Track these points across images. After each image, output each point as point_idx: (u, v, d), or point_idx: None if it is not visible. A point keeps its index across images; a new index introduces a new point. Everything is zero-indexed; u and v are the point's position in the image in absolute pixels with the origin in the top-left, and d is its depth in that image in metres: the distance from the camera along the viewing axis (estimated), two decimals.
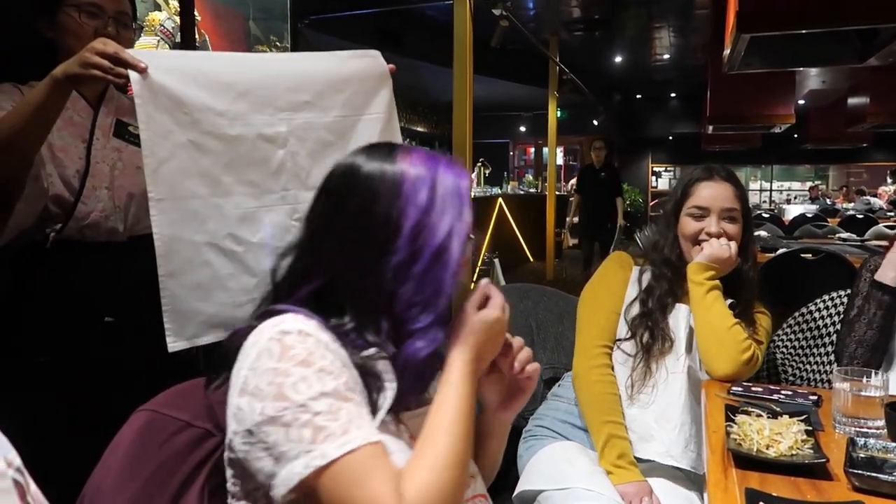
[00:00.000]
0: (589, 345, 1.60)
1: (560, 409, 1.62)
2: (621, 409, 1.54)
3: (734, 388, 1.49)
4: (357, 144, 1.61)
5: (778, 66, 5.04)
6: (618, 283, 1.65)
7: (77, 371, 1.48)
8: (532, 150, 14.75)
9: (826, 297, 1.92)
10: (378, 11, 6.48)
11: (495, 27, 5.66)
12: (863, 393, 1.21)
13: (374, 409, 0.83)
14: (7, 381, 1.42)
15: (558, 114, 9.96)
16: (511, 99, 11.19)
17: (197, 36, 3.87)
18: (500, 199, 8.57)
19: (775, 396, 1.47)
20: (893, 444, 1.09)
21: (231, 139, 1.35)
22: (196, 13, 3.82)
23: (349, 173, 0.92)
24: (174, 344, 1.30)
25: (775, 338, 1.91)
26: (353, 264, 0.88)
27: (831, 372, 1.75)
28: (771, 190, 14.51)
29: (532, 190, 11.36)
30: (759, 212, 8.50)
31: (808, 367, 1.85)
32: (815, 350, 1.85)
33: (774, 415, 1.26)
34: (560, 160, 14.69)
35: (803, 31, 3.73)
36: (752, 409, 1.28)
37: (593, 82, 10.03)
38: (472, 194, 7.46)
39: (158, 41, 3.59)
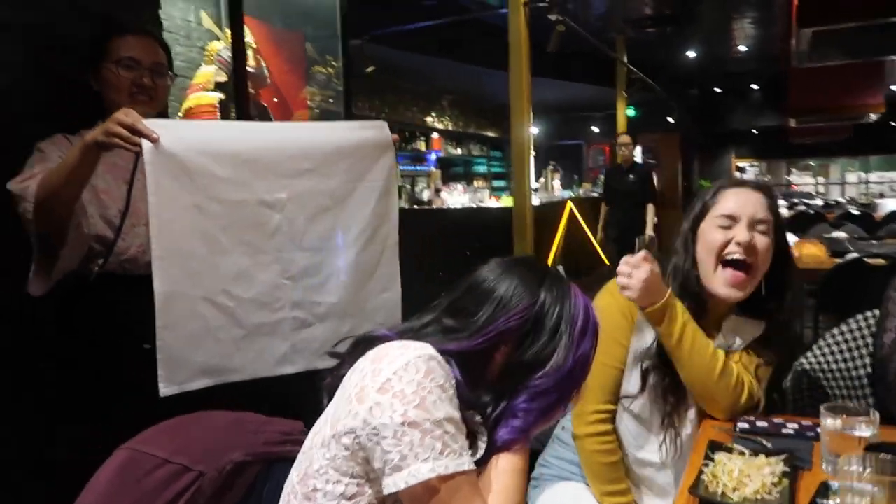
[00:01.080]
0: (585, 409, 1.44)
1: (566, 457, 1.54)
2: (623, 469, 1.45)
3: (740, 424, 1.43)
4: (353, 210, 1.71)
5: (851, 57, 4.76)
6: (618, 331, 1.44)
7: (114, 392, 1.61)
8: (609, 149, 14.46)
9: (860, 317, 1.81)
10: (437, 23, 6.55)
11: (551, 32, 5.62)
12: (842, 431, 1.15)
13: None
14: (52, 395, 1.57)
15: (630, 112, 9.74)
16: (582, 100, 11.02)
17: (254, 62, 4.06)
18: (569, 203, 8.45)
19: (782, 431, 1.41)
20: (869, 489, 1.03)
21: (232, 203, 1.46)
22: (252, 40, 4.01)
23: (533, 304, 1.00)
24: (165, 389, 1.40)
25: (809, 354, 1.83)
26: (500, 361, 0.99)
27: (863, 396, 1.66)
28: (868, 182, 13.61)
29: None
30: (849, 208, 8.00)
31: (840, 391, 1.76)
32: (848, 373, 1.75)
33: (759, 453, 1.22)
34: (638, 158, 14.35)
35: (869, 22, 3.53)
36: (737, 447, 1.25)
37: (666, 78, 9.74)
38: (539, 200, 7.42)
39: (216, 69, 3.79)
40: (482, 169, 11.86)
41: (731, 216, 1.39)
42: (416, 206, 7.24)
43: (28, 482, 1.60)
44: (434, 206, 7.41)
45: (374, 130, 1.66)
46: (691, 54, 9.98)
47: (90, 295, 1.60)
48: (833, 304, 3.21)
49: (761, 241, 1.38)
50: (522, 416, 0.96)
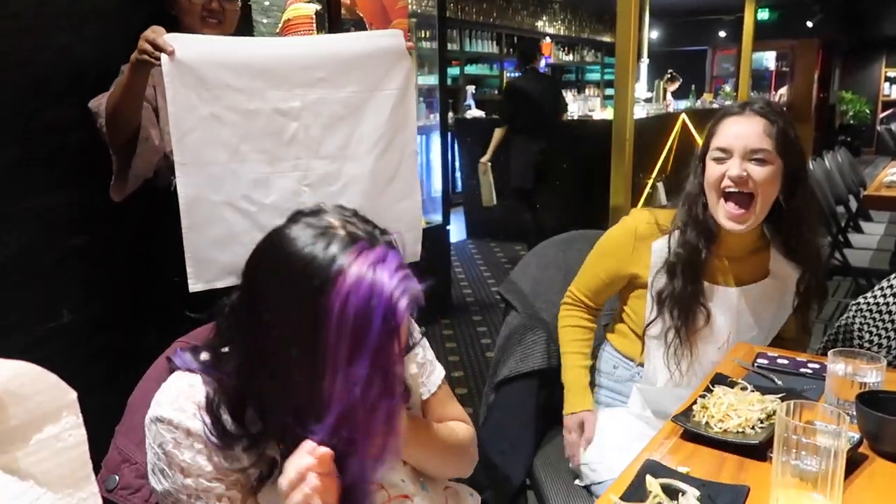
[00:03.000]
0: (569, 288, 1.64)
1: (605, 386, 1.63)
2: (583, 338, 1.59)
3: (759, 360, 1.45)
4: (368, 118, 1.75)
5: None
6: (618, 253, 1.53)
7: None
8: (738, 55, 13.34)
9: None
10: None
11: None
12: (840, 374, 1.16)
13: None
14: (151, 301, 1.82)
15: (763, 15, 8.92)
16: (708, 1, 10.18)
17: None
18: (682, 116, 8.02)
19: (800, 370, 1.42)
20: (854, 437, 1.05)
21: (248, 112, 1.54)
22: None
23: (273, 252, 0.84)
24: (194, 285, 1.56)
25: (861, 299, 1.78)
26: (261, 365, 0.83)
27: None
28: None
29: (728, 103, 10.40)
30: None
31: (886, 334, 1.70)
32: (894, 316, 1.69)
33: (763, 390, 1.25)
34: (772, 65, 13.20)
35: None
36: (742, 382, 1.28)
37: None
38: (647, 112, 7.08)
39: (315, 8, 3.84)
40: (595, 77, 11.40)
41: (725, 149, 1.39)
42: None
43: (101, 365, 1.87)
44: None
45: (388, 39, 1.68)
46: None
47: (170, 205, 1.80)
48: None
49: (757, 172, 1.36)
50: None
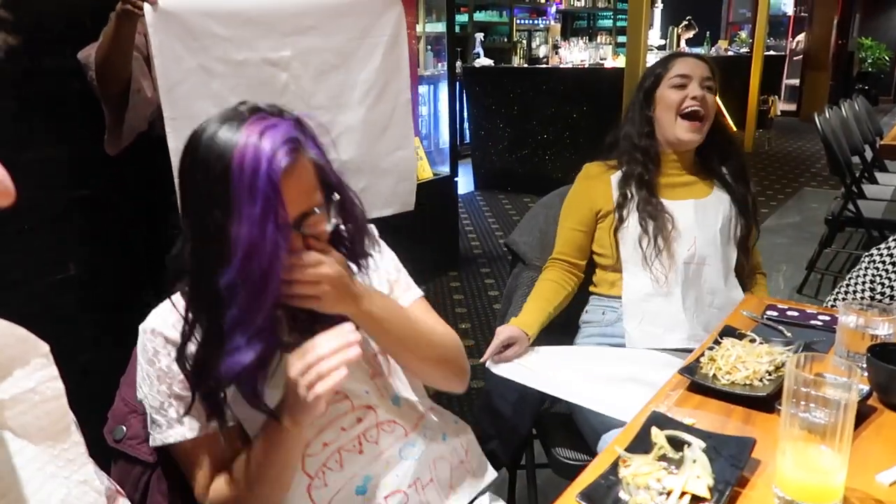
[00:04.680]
0: (552, 256, 1.69)
1: (594, 334, 1.64)
2: (554, 291, 1.63)
3: (768, 312, 1.44)
4: (360, 67, 1.71)
5: None
6: (579, 199, 1.69)
7: None
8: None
9: None
10: None
11: None
12: (851, 327, 1.14)
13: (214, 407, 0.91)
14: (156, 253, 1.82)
15: None
16: None
17: None
18: None
19: (810, 322, 1.40)
20: (864, 389, 1.04)
21: (237, 63, 1.50)
22: None
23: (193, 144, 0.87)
24: None
25: (874, 251, 1.75)
26: (193, 260, 0.86)
27: None
28: None
29: (744, 50, 10.16)
30: None
31: None
32: None
33: (772, 342, 1.23)
34: (790, 10, 12.81)
35: None
36: (751, 334, 1.26)
37: None
38: None
39: None
40: (608, 23, 11.11)
41: (686, 75, 1.60)
42: (525, 65, 6.99)
43: (113, 314, 1.88)
44: (547, 65, 7.13)
45: None
46: None
47: (166, 154, 1.78)
48: None
49: (709, 97, 1.60)
50: (231, 331, 0.83)
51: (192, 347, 0.89)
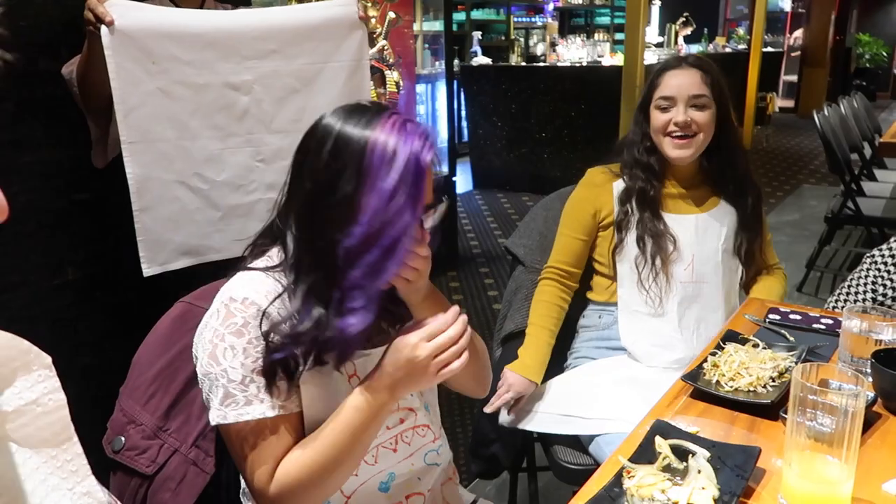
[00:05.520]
0: (549, 263, 1.65)
1: (592, 338, 1.64)
2: (554, 316, 1.59)
3: (770, 315, 1.43)
4: (321, 91, 1.69)
5: None
6: (581, 206, 1.63)
7: None
8: None
9: None
10: None
11: None
12: (855, 331, 1.13)
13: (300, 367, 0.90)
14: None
15: None
16: None
17: None
18: None
19: (813, 325, 1.40)
20: (869, 395, 1.03)
21: (198, 87, 1.48)
22: None
23: (323, 133, 0.91)
24: (148, 269, 1.51)
25: (875, 252, 1.74)
26: (311, 232, 0.90)
27: None
28: None
29: (742, 47, 10.15)
30: None
31: None
32: None
33: (776, 347, 1.23)
34: (787, 6, 12.80)
35: None
36: (753, 339, 1.25)
37: None
38: (658, 57, 6.91)
39: None
40: (605, 20, 11.08)
41: (669, 97, 1.53)
42: (523, 63, 6.97)
43: (111, 319, 1.87)
44: (545, 64, 7.11)
45: (340, 8, 1.61)
46: None
47: None
48: None
49: (699, 116, 1.52)
50: (354, 293, 0.88)
51: (281, 314, 0.89)
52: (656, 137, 1.56)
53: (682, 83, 1.53)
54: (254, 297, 0.90)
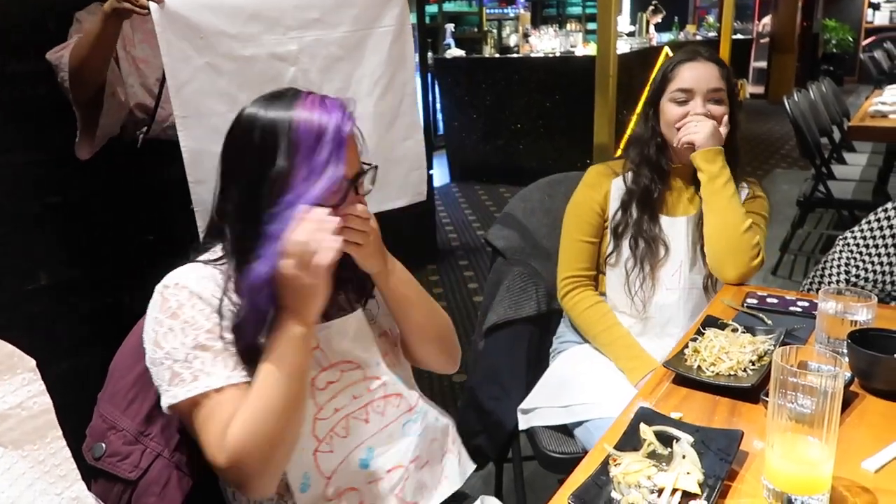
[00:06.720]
0: (559, 279, 1.61)
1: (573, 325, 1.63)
2: (605, 310, 1.55)
3: (748, 300, 1.45)
4: (366, 58, 1.69)
5: None
6: (588, 206, 1.59)
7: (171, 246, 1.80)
8: None
9: None
10: None
11: None
12: (831, 313, 1.15)
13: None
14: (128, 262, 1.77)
15: None
16: None
17: None
18: (665, 49, 7.89)
19: (790, 308, 1.42)
20: (847, 375, 1.05)
21: (245, 59, 1.48)
22: None
23: (248, 123, 0.98)
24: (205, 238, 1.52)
25: (847, 234, 1.78)
26: (250, 214, 0.94)
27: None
28: None
29: (712, 34, 10.24)
30: None
31: (873, 268, 1.71)
32: (883, 251, 1.69)
33: (754, 331, 1.24)
34: None
35: None
36: (732, 323, 1.27)
37: None
38: (630, 46, 6.95)
39: None
40: (577, 10, 11.11)
41: (688, 90, 1.49)
42: (496, 55, 6.97)
43: (86, 325, 1.84)
44: (518, 55, 7.11)
45: None
46: None
47: (139, 160, 1.72)
48: None
49: (717, 109, 1.50)
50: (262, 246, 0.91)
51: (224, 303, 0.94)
52: (669, 131, 1.51)
53: (700, 76, 1.49)
54: (185, 281, 0.95)
